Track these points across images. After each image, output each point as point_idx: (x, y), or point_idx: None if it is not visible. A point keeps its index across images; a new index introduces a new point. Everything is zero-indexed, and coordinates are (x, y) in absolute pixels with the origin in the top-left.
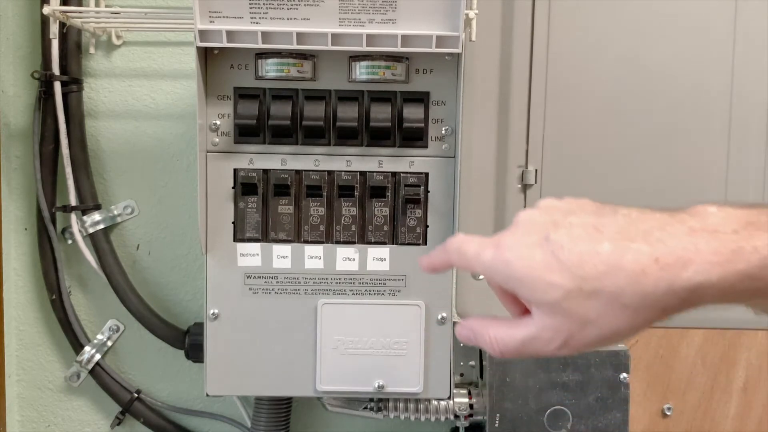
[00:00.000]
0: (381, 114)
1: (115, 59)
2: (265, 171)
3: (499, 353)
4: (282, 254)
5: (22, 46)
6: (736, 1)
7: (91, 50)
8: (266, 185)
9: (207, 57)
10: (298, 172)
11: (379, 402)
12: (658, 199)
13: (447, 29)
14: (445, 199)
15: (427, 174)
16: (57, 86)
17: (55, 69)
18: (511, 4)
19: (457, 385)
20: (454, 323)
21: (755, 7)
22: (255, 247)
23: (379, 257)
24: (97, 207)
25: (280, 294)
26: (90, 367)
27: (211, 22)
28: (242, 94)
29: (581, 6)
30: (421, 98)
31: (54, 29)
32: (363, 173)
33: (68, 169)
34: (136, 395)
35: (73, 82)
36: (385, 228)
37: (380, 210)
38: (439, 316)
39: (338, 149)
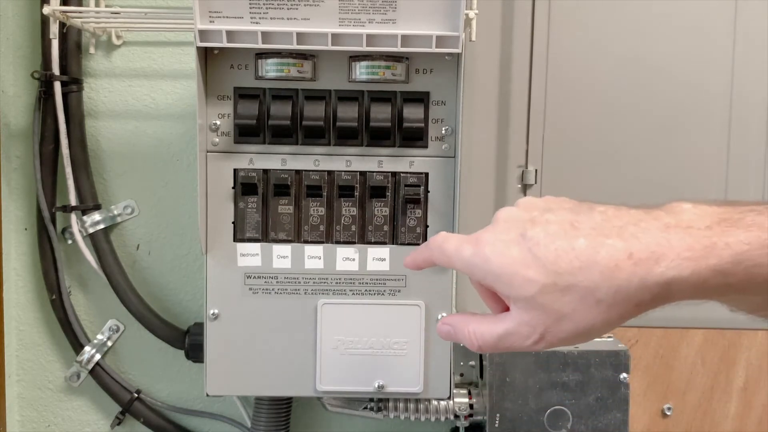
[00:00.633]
0: (381, 114)
1: (115, 59)
2: (265, 171)
3: (478, 348)
4: (282, 254)
5: (22, 46)
6: (736, 1)
7: (91, 50)
8: (266, 185)
9: (207, 57)
10: (298, 172)
11: (379, 402)
12: (658, 198)
13: (447, 29)
14: (445, 199)
15: (427, 174)
16: (57, 86)
17: (55, 69)
18: (511, 4)
19: (457, 385)
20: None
21: (755, 7)
22: (255, 247)
23: (379, 257)
24: (97, 207)
25: (280, 294)
26: (90, 367)
27: (211, 22)
28: (242, 94)
29: (581, 6)
30: (421, 98)
31: (54, 29)
32: (363, 173)
33: (68, 169)
34: (136, 395)
35: (73, 82)
36: (385, 228)
37: (380, 210)
38: (439, 316)
39: (338, 149)
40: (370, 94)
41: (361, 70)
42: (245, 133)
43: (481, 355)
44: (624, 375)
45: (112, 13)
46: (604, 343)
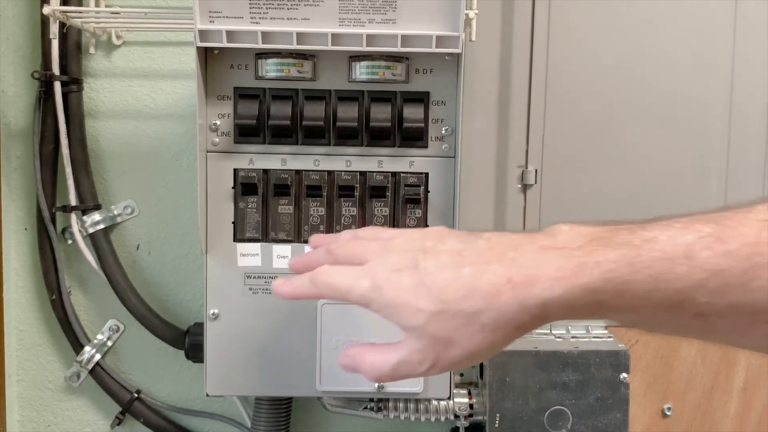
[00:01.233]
0: (381, 114)
1: (115, 59)
2: (265, 171)
3: (376, 378)
4: (282, 254)
5: (22, 46)
6: (736, 1)
7: (91, 50)
8: (266, 185)
9: (207, 57)
10: (298, 172)
11: (379, 402)
12: (658, 199)
13: (447, 29)
14: (445, 199)
15: (427, 174)
16: (57, 86)
17: (55, 69)
18: (511, 4)
19: (457, 385)
20: None
21: (755, 7)
22: (255, 247)
23: None
24: (97, 207)
25: None
26: (90, 367)
27: (211, 22)
28: (242, 94)
29: (581, 6)
30: (421, 98)
31: (54, 29)
32: (363, 173)
33: (68, 169)
34: (136, 395)
35: (73, 82)
36: None
37: (380, 210)
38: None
39: (338, 149)
40: (370, 94)
41: (361, 70)
42: (245, 133)
43: None
44: (624, 375)
45: (112, 13)
46: (604, 343)
